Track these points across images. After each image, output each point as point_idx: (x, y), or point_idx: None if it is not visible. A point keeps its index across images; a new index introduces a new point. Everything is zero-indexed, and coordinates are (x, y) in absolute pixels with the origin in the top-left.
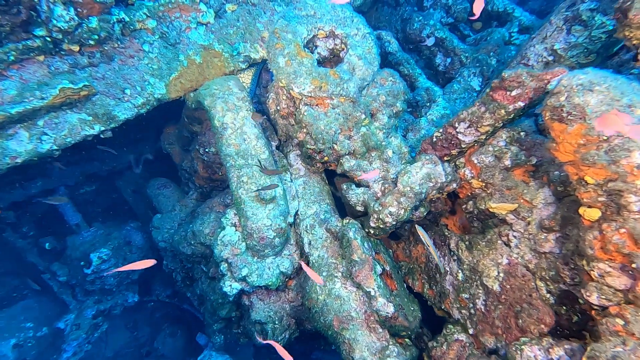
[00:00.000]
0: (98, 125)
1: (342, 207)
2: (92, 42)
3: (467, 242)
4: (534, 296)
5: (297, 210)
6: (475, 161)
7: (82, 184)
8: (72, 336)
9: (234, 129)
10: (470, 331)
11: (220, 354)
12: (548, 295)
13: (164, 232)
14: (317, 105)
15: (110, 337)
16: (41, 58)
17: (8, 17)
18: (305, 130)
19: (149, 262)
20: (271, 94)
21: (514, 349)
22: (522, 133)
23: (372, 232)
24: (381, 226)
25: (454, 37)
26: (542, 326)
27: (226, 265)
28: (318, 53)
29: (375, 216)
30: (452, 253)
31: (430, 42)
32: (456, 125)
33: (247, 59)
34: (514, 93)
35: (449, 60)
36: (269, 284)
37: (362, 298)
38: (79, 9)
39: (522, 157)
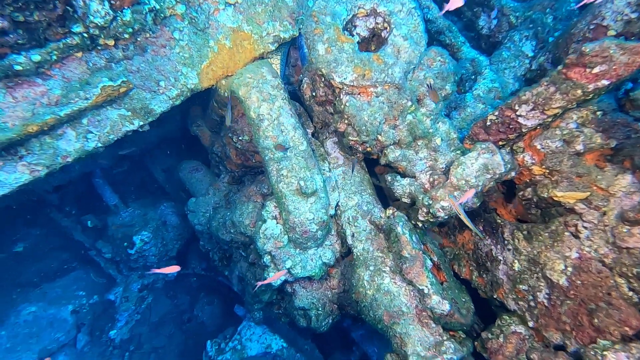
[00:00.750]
0: (137, 120)
1: (384, 196)
2: (126, 36)
3: (525, 232)
4: (614, 295)
5: (338, 202)
6: (539, 146)
7: (115, 165)
8: (122, 307)
9: (270, 120)
10: (530, 324)
11: (259, 324)
12: (631, 294)
13: (199, 216)
14: (359, 93)
15: (154, 306)
16: (79, 54)
17: (45, 12)
18: (346, 121)
19: (175, 268)
20: (305, 78)
21: (593, 353)
22: (598, 113)
23: (420, 224)
24: (431, 220)
25: None
26: (626, 328)
27: (269, 257)
28: (357, 34)
29: (425, 210)
30: (505, 242)
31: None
32: (516, 107)
33: (277, 39)
34: (596, 70)
35: (495, 21)
36: (312, 274)
37: (412, 293)
38: (112, 2)
39: (597, 141)
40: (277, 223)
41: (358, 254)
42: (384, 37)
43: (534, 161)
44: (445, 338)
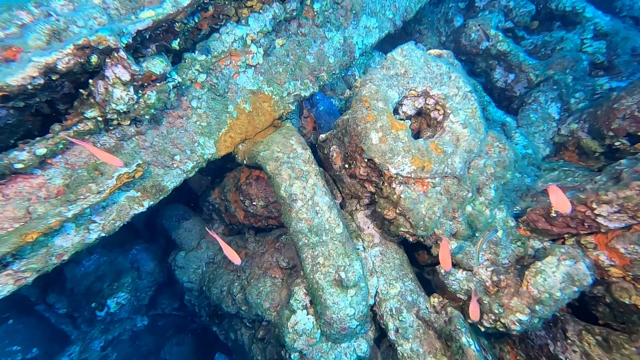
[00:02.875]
0: (147, 201)
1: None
2: (147, 117)
3: (598, 337)
4: None
5: (377, 289)
6: (623, 250)
7: None
8: None
9: (304, 200)
10: None
11: None
12: None
13: (190, 273)
14: (414, 183)
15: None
16: (87, 136)
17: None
18: (398, 210)
19: None
20: (334, 147)
21: None
22: None
23: (482, 329)
24: (499, 329)
25: (519, 50)
26: None
27: (298, 355)
28: (403, 112)
29: (493, 317)
30: (568, 340)
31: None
32: (594, 205)
33: (297, 99)
34: None
35: (512, 76)
36: None
37: None
38: (137, 87)
39: None
40: (308, 314)
41: (406, 355)
42: (433, 117)
43: (613, 263)
44: None
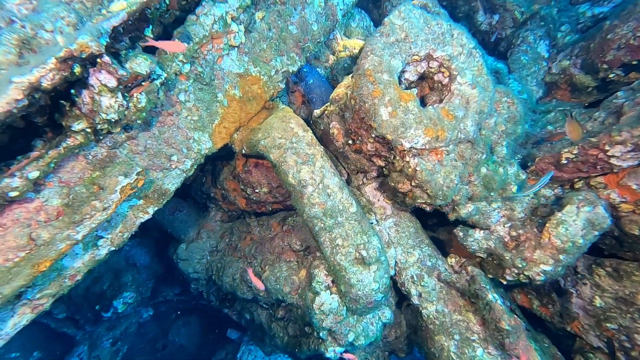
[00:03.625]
0: (152, 207)
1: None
2: (139, 122)
3: (609, 268)
4: None
5: (396, 259)
6: (635, 187)
7: None
8: None
9: (315, 185)
10: None
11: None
12: None
13: (194, 263)
14: (429, 154)
15: (129, 354)
16: (77, 151)
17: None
18: (414, 183)
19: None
20: (334, 123)
21: None
22: None
23: (504, 282)
24: (524, 281)
25: None
26: None
27: (327, 332)
28: (406, 79)
29: (516, 271)
30: (579, 275)
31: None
32: (606, 147)
33: (286, 75)
34: None
35: (496, 17)
36: (376, 339)
37: None
38: (126, 92)
39: None
40: (332, 294)
41: (431, 317)
42: (437, 80)
43: (624, 200)
44: None
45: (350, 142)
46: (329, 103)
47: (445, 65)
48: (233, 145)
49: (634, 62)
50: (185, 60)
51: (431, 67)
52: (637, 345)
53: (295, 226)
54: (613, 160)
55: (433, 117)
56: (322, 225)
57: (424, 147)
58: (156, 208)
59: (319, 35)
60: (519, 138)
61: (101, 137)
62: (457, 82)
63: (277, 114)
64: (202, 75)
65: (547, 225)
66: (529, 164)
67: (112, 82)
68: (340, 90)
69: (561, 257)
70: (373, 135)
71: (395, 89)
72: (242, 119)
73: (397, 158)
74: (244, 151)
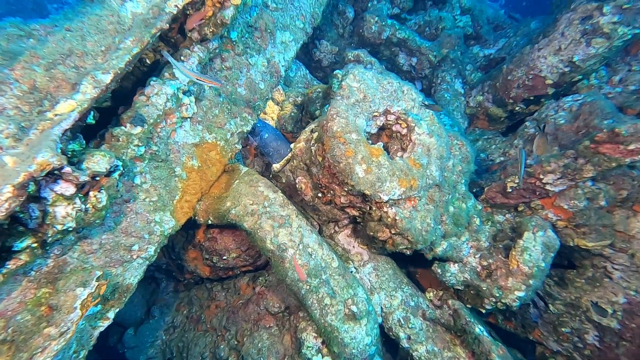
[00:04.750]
0: (112, 310)
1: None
2: (98, 222)
3: (555, 278)
4: None
5: (380, 305)
6: (566, 206)
7: None
8: None
9: (295, 247)
10: None
11: None
12: None
13: (147, 349)
14: (404, 202)
15: None
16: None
17: None
18: (393, 231)
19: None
20: (300, 177)
21: None
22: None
23: (483, 311)
24: (501, 308)
25: (416, 35)
26: None
27: None
28: (367, 133)
29: (494, 300)
30: None
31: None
32: (541, 176)
33: (241, 136)
34: (632, 147)
35: (414, 59)
36: None
37: None
38: (82, 193)
39: (611, 193)
40: (324, 356)
41: (423, 358)
42: (395, 130)
43: (559, 218)
44: None
45: (320, 194)
46: (290, 157)
47: (402, 118)
48: (197, 217)
49: (531, 98)
50: (140, 143)
51: (389, 120)
52: (588, 345)
53: (270, 285)
54: (548, 187)
55: (403, 168)
56: (308, 287)
57: (400, 198)
58: (117, 309)
59: (266, 93)
60: (472, 174)
61: (48, 249)
62: (416, 132)
63: (242, 178)
64: (157, 153)
65: (512, 252)
66: (479, 195)
67: (70, 189)
68: (300, 145)
69: (531, 282)
70: (346, 190)
71: (365, 146)
72: (204, 188)
73: (374, 209)
74: (210, 221)
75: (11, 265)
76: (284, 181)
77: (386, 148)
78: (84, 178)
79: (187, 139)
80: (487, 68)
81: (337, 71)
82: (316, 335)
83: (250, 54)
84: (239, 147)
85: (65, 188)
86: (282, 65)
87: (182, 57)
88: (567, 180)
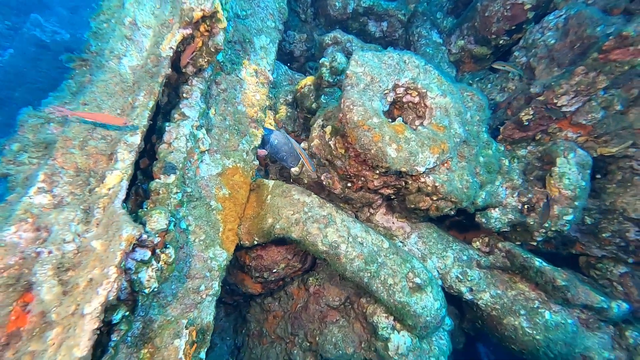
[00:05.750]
0: (202, 351)
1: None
2: (171, 276)
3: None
4: None
5: (436, 268)
6: (584, 122)
7: None
8: None
9: (346, 241)
10: (630, 260)
11: None
12: None
13: None
14: (439, 167)
15: None
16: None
17: None
18: (435, 197)
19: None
20: (324, 174)
21: None
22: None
23: (534, 244)
24: (552, 236)
25: (379, 0)
26: None
27: None
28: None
29: (544, 231)
30: None
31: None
32: (555, 100)
33: (254, 151)
34: None
35: (384, 23)
36: (449, 349)
37: (580, 312)
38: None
39: (624, 95)
40: (400, 332)
41: (489, 303)
42: (407, 101)
43: (579, 134)
44: None
45: (349, 185)
46: (306, 157)
47: (411, 88)
48: (242, 242)
49: (513, 27)
50: (177, 190)
51: (399, 94)
52: (631, 241)
53: (323, 283)
54: (564, 108)
55: (430, 135)
56: (369, 274)
57: (436, 165)
58: (206, 349)
59: (263, 103)
60: (489, 120)
61: (136, 313)
62: (429, 97)
63: (273, 192)
64: (191, 194)
65: (550, 181)
66: (495, 136)
67: (147, 254)
68: (315, 143)
69: (576, 203)
70: (378, 173)
71: (389, 127)
72: (239, 213)
73: (410, 182)
74: (255, 242)
75: (116, 337)
76: (306, 182)
77: (403, 121)
78: (157, 240)
79: (211, 171)
80: (455, 10)
81: (323, 59)
82: (386, 314)
83: (237, 69)
84: (257, 163)
85: (143, 254)
86: (269, 70)
87: (184, 95)
88: (581, 97)
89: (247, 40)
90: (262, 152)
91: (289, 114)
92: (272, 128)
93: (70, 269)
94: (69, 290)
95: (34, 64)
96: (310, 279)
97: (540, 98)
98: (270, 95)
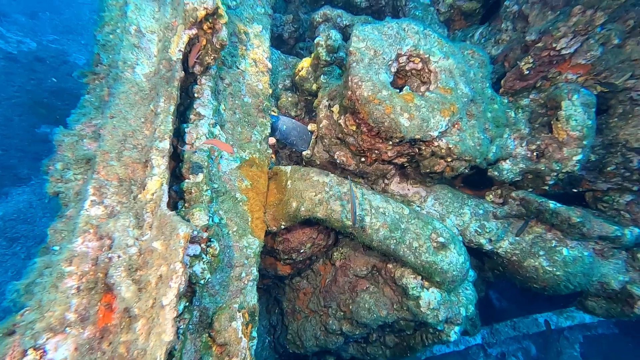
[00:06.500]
0: (253, 330)
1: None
2: (218, 267)
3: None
4: None
5: (455, 226)
6: (584, 61)
7: None
8: None
9: (369, 213)
10: (635, 188)
11: None
12: None
13: (259, 352)
14: (451, 128)
15: None
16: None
17: None
18: (449, 158)
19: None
20: (337, 152)
21: None
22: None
23: (546, 188)
24: (563, 178)
25: None
26: None
27: (444, 323)
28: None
29: (555, 174)
30: None
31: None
32: (554, 44)
33: (266, 139)
34: None
35: None
36: (475, 299)
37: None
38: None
39: (620, 28)
40: (429, 289)
41: (509, 250)
42: (410, 68)
43: (579, 75)
44: None
45: (362, 159)
46: (314, 140)
47: (414, 55)
48: (270, 228)
49: None
50: (207, 187)
51: (401, 63)
52: (635, 170)
53: (348, 256)
54: (564, 51)
55: (439, 99)
56: (395, 240)
57: (448, 127)
58: (256, 327)
59: (267, 92)
60: (491, 75)
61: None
62: (432, 61)
63: (293, 177)
64: (218, 189)
65: (558, 125)
66: (497, 89)
67: (198, 249)
68: (324, 123)
69: (585, 142)
70: (392, 143)
71: (398, 97)
72: (262, 201)
73: (423, 147)
74: (282, 226)
75: (183, 325)
76: (318, 163)
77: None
78: (204, 235)
79: (231, 165)
80: None
81: (318, 39)
82: (414, 275)
83: (238, 61)
84: (270, 151)
85: (195, 249)
86: (267, 58)
87: (195, 94)
88: (580, 37)
89: (242, 31)
90: (272, 139)
91: (290, 99)
92: (276, 114)
93: (138, 269)
94: (142, 287)
95: (7, 78)
96: (335, 253)
97: (539, 44)
98: (270, 83)
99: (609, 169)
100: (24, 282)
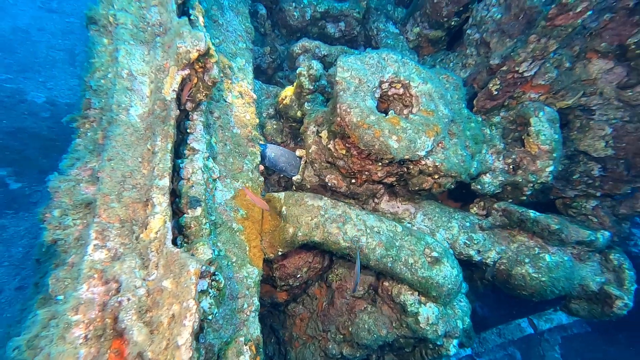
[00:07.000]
0: None
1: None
2: (223, 301)
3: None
4: None
5: (445, 240)
6: (543, 82)
7: None
8: None
9: (365, 233)
10: (598, 194)
11: None
12: None
13: None
14: (435, 147)
15: None
16: None
17: None
18: (436, 175)
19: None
20: (328, 176)
21: None
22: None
23: (524, 198)
24: (538, 188)
25: (333, 2)
26: None
27: (443, 338)
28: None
29: (531, 185)
30: None
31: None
32: (516, 68)
33: (258, 168)
34: (580, 8)
35: (342, 24)
36: (469, 309)
37: (575, 249)
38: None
39: (569, 53)
40: (427, 304)
41: (502, 257)
42: (392, 94)
43: (540, 94)
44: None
45: (353, 181)
46: (304, 165)
47: (395, 81)
48: (267, 256)
49: (461, 8)
50: (206, 220)
51: (384, 89)
52: (596, 177)
53: (343, 277)
54: (525, 74)
55: (422, 121)
56: (391, 258)
57: (433, 147)
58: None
59: (253, 121)
60: (465, 96)
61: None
62: (413, 86)
63: (287, 203)
64: (215, 221)
65: (529, 140)
66: (471, 108)
67: (205, 284)
68: (313, 149)
69: (555, 154)
70: (381, 164)
71: (385, 121)
72: (258, 229)
73: (411, 167)
74: (279, 253)
75: None
76: (309, 187)
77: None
78: (211, 270)
79: (225, 196)
80: (402, 0)
81: (300, 69)
82: (411, 291)
83: (224, 95)
84: (262, 179)
85: (202, 284)
86: (251, 89)
87: (188, 130)
88: (537, 61)
89: (226, 65)
90: (260, 167)
91: (275, 126)
92: (263, 142)
93: (148, 311)
94: (154, 329)
95: None
96: (330, 276)
97: (504, 68)
98: (257, 113)
99: (574, 177)
100: (26, 337)
